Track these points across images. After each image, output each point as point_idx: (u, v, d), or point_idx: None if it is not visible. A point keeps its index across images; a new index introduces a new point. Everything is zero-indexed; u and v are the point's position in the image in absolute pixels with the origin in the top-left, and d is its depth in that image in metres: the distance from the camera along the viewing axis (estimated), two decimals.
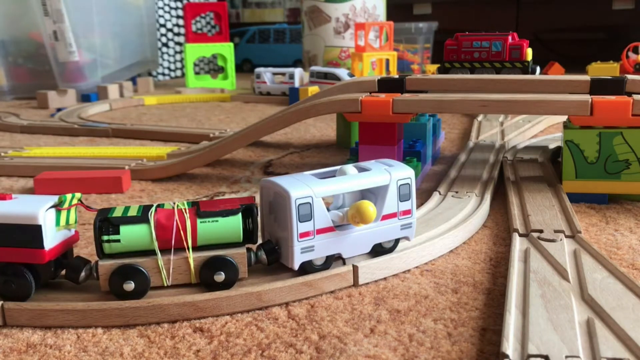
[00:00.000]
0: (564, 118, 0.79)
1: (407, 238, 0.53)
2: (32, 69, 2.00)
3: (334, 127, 1.29)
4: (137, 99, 1.86)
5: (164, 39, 2.72)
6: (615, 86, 0.70)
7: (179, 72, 2.83)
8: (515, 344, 0.37)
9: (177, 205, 0.47)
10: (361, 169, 0.52)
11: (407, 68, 2.55)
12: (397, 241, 0.53)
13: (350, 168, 0.51)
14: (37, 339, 0.42)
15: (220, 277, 0.46)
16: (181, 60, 2.81)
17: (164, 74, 2.75)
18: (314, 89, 1.62)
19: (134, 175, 0.87)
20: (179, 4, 2.77)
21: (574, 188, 0.70)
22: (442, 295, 0.47)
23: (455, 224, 0.60)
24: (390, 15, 2.50)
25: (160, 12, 2.67)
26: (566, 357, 0.35)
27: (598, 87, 0.71)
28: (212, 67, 3.03)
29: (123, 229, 0.45)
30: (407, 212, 0.52)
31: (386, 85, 0.80)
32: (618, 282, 0.45)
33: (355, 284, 0.49)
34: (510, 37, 0.95)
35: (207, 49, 2.16)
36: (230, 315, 0.45)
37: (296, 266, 0.48)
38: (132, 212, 0.46)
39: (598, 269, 0.48)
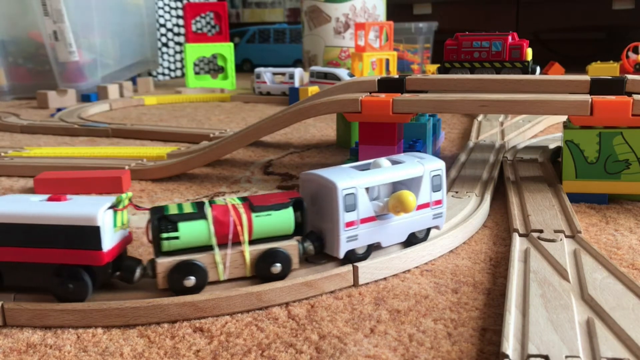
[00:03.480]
0: (564, 118, 0.79)
1: (437, 227, 0.55)
2: (32, 69, 2.00)
3: (334, 127, 1.29)
4: (137, 99, 1.86)
5: (164, 39, 2.72)
6: (615, 86, 0.70)
7: (179, 72, 2.83)
8: (515, 344, 0.37)
9: (229, 201, 0.48)
10: (394, 162, 0.54)
11: (407, 68, 2.55)
12: (428, 231, 0.55)
13: (384, 161, 0.53)
14: (37, 339, 0.42)
15: (276, 269, 0.47)
16: (181, 60, 2.81)
17: (164, 74, 2.75)
18: (314, 89, 1.62)
19: (134, 175, 0.87)
20: (179, 4, 2.77)
21: (574, 188, 0.70)
22: (442, 295, 0.47)
23: (455, 224, 0.60)
24: (390, 15, 2.50)
25: (160, 12, 2.67)
26: (566, 357, 0.35)
27: (598, 87, 0.71)
28: (212, 67, 3.03)
29: (182, 225, 0.45)
30: (439, 202, 0.54)
31: (386, 85, 0.80)
32: (618, 282, 0.45)
33: (355, 284, 0.49)
34: (510, 37, 0.95)
35: (207, 49, 2.16)
36: (230, 315, 0.45)
37: (342, 255, 0.49)
38: (187, 209, 0.46)
39: (598, 269, 0.48)
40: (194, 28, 2.84)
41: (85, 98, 1.85)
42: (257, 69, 1.87)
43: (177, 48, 2.80)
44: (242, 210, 0.47)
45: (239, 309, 0.45)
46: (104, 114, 1.66)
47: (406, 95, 0.76)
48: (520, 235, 0.57)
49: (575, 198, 0.70)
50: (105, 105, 1.73)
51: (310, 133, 1.25)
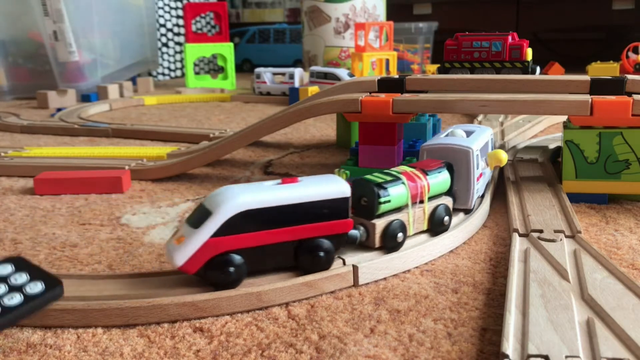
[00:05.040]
0: (564, 118, 0.79)
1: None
2: (32, 69, 2.00)
3: (334, 127, 1.29)
4: (137, 99, 1.86)
5: (164, 39, 2.72)
6: (615, 86, 0.70)
7: (179, 72, 2.83)
8: (515, 344, 0.37)
9: (404, 168, 0.55)
10: (467, 131, 0.67)
11: (407, 68, 2.55)
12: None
13: (458, 131, 0.67)
14: (37, 339, 0.42)
15: (447, 219, 0.56)
16: (181, 60, 2.81)
17: (164, 74, 2.75)
18: (314, 89, 1.62)
19: (134, 175, 0.87)
20: (179, 4, 2.77)
21: (574, 188, 0.70)
22: (442, 295, 0.47)
23: (455, 224, 0.60)
24: (390, 15, 2.51)
25: (160, 12, 2.67)
26: (566, 357, 0.35)
27: (598, 87, 0.71)
28: (212, 67, 3.03)
29: (391, 190, 0.52)
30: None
31: (386, 85, 0.80)
32: (618, 282, 0.45)
33: (355, 284, 0.49)
34: (510, 37, 0.95)
35: (207, 49, 2.16)
36: (230, 315, 0.45)
37: (472, 205, 0.61)
38: (382, 177, 0.53)
39: (598, 269, 0.48)
40: (194, 28, 2.84)
41: (85, 98, 1.85)
42: (257, 69, 1.87)
43: (177, 48, 2.80)
44: (420, 174, 0.55)
45: (239, 309, 0.45)
46: (104, 114, 1.66)
47: (406, 95, 0.76)
48: (520, 235, 0.57)
49: (575, 198, 0.70)
50: (105, 105, 1.73)
51: (310, 133, 1.25)
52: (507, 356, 0.36)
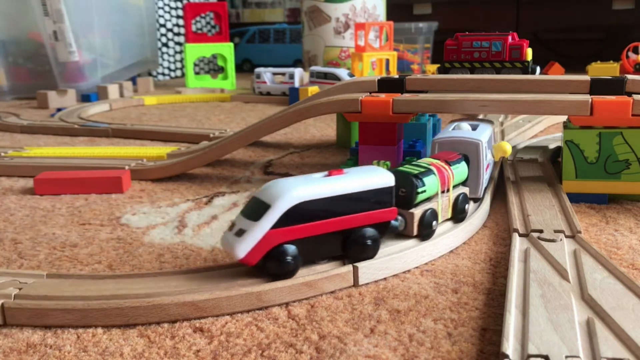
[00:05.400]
0: (564, 118, 0.79)
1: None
2: (32, 69, 2.00)
3: (334, 127, 1.29)
4: (137, 99, 1.86)
5: (164, 39, 2.72)
6: (615, 86, 0.70)
7: (179, 72, 2.83)
8: (515, 344, 0.37)
9: (430, 160, 0.59)
10: (471, 125, 0.71)
11: (407, 68, 2.55)
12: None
13: (464, 124, 0.70)
14: (37, 338, 0.42)
15: (467, 207, 0.60)
16: (181, 60, 2.81)
17: (164, 74, 2.75)
18: (314, 89, 1.62)
19: (134, 175, 0.87)
20: (179, 4, 2.77)
21: (574, 188, 0.70)
22: (442, 295, 0.47)
23: (455, 224, 0.60)
24: (390, 15, 2.50)
25: (160, 12, 2.67)
26: (566, 357, 0.35)
27: (598, 87, 0.71)
28: (212, 67, 3.03)
29: (426, 181, 0.55)
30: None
31: (386, 85, 0.80)
32: (618, 282, 0.45)
33: (355, 284, 0.49)
34: (510, 37, 0.95)
35: (207, 49, 2.16)
36: (230, 315, 0.45)
37: (481, 193, 0.66)
38: (417, 169, 0.56)
39: (598, 269, 0.48)
40: (194, 28, 2.84)
41: (85, 98, 1.85)
42: (257, 69, 1.87)
43: (177, 48, 2.80)
44: (445, 165, 0.58)
45: (239, 309, 0.45)
46: (104, 114, 1.66)
47: (406, 95, 0.76)
48: (520, 235, 0.57)
49: (575, 198, 0.70)
50: (105, 105, 1.73)
51: (310, 133, 1.25)
52: (507, 356, 0.36)
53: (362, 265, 0.49)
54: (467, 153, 0.64)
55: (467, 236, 0.60)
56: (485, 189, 0.69)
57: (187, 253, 0.58)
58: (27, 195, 0.80)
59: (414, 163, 0.58)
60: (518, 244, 0.54)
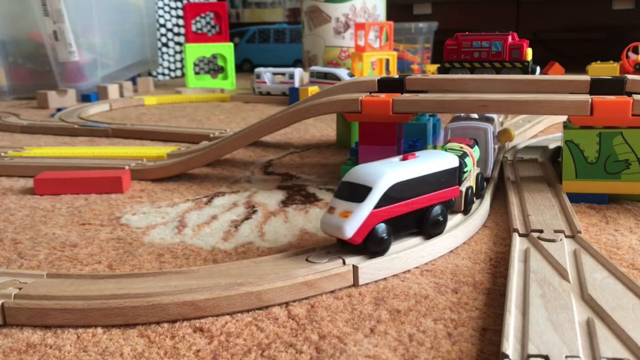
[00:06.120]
0: (564, 118, 0.79)
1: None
2: (32, 69, 2.00)
3: (334, 127, 1.29)
4: (137, 99, 1.86)
5: (164, 39, 2.72)
6: (615, 86, 0.70)
7: (179, 72, 2.83)
8: (515, 344, 0.37)
9: (458, 144, 0.65)
10: (482, 117, 0.79)
11: (407, 68, 2.55)
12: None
13: (472, 115, 0.78)
14: (37, 338, 0.42)
15: (485, 185, 0.68)
16: (181, 60, 2.81)
17: (164, 74, 2.75)
18: (314, 89, 1.62)
19: (134, 175, 0.87)
20: (179, 4, 2.77)
21: (574, 188, 0.70)
22: (442, 295, 0.47)
23: (455, 224, 0.60)
24: (390, 15, 2.50)
25: (160, 12, 2.67)
26: (566, 357, 0.35)
27: (598, 87, 0.71)
28: (212, 67, 3.03)
29: (467, 161, 0.60)
30: None
31: (386, 85, 0.80)
32: (618, 282, 0.45)
33: (355, 284, 0.49)
34: (510, 37, 0.95)
35: (207, 49, 2.16)
36: (230, 315, 0.45)
37: (489, 173, 0.74)
38: (456, 150, 0.61)
39: (598, 269, 0.48)
40: (194, 28, 2.84)
41: (85, 98, 1.85)
42: (257, 69, 1.87)
43: (177, 48, 2.80)
44: (469, 148, 0.64)
45: (239, 309, 0.45)
46: (104, 114, 1.66)
47: (406, 95, 0.76)
48: (520, 235, 0.57)
49: (575, 198, 0.70)
50: (105, 105, 1.73)
51: (310, 133, 1.25)
52: (507, 356, 0.36)
53: (362, 265, 0.49)
54: (477, 137, 0.72)
55: (467, 236, 0.60)
56: (485, 190, 0.70)
57: (187, 253, 0.58)
58: (27, 195, 0.80)
59: (450, 147, 0.63)
60: (518, 244, 0.54)
